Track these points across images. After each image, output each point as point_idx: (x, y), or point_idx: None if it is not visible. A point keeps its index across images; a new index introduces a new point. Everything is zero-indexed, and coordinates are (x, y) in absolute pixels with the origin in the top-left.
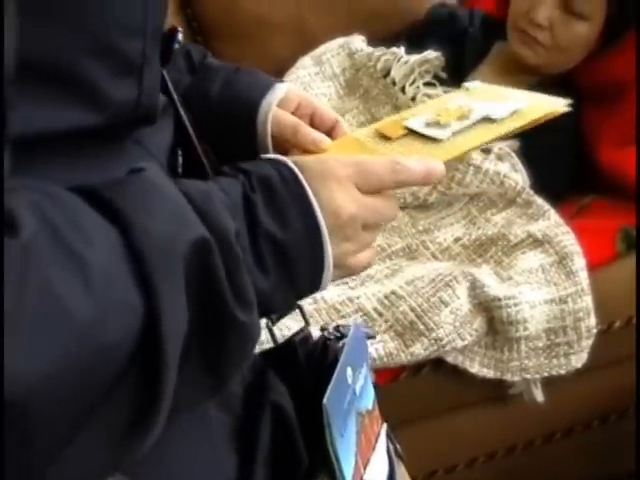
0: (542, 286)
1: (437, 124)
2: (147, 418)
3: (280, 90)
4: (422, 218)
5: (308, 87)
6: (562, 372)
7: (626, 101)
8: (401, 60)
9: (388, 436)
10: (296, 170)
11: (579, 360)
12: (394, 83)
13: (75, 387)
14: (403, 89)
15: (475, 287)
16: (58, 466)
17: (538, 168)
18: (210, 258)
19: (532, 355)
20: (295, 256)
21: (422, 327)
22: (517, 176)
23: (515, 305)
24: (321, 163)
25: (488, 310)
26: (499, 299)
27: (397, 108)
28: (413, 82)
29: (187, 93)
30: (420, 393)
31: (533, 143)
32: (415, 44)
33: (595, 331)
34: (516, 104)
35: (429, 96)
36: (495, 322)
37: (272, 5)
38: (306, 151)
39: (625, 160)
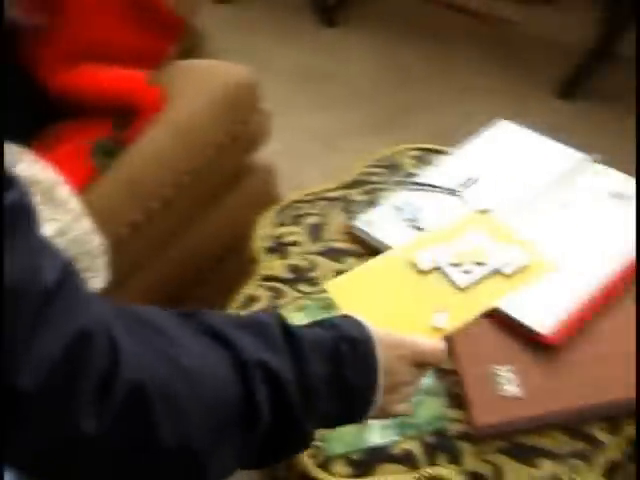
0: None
1: (460, 266)
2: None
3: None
4: None
5: None
6: None
7: (59, 24)
8: None
9: None
10: (376, 341)
11: (102, 281)
12: None
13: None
14: None
15: None
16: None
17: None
18: (283, 388)
19: None
20: (357, 396)
21: None
22: None
23: None
24: (393, 339)
25: None
26: None
27: None
28: None
29: None
30: None
31: None
32: None
33: (104, 247)
34: (520, 255)
35: None
36: None
37: None
38: None
39: (74, 79)
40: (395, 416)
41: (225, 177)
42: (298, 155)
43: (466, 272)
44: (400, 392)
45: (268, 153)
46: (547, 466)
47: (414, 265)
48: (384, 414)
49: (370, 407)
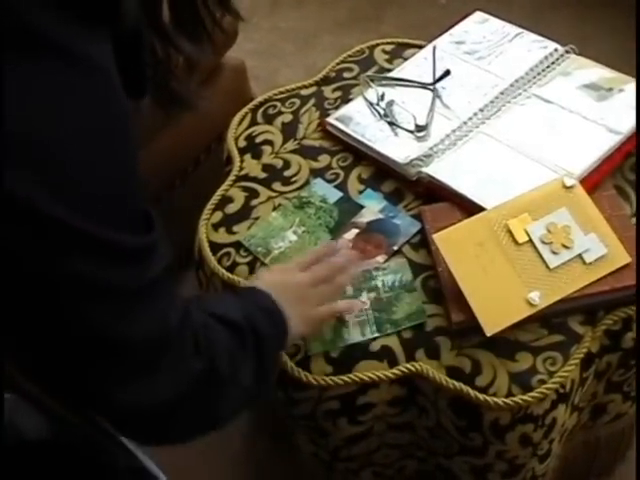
0: None
1: (550, 245)
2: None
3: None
4: None
5: None
6: None
7: None
8: None
9: None
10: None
11: None
12: None
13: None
14: None
15: None
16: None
17: None
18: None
19: None
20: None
21: None
22: None
23: None
24: (274, 267)
25: None
26: None
27: None
28: None
29: None
30: None
31: None
32: None
33: None
34: (599, 245)
35: None
36: None
37: None
38: None
39: None
40: (326, 319)
41: (197, 79)
42: (274, 55)
43: (554, 252)
44: (311, 297)
45: (243, 53)
46: (525, 360)
47: (509, 232)
48: (312, 322)
49: (285, 330)
